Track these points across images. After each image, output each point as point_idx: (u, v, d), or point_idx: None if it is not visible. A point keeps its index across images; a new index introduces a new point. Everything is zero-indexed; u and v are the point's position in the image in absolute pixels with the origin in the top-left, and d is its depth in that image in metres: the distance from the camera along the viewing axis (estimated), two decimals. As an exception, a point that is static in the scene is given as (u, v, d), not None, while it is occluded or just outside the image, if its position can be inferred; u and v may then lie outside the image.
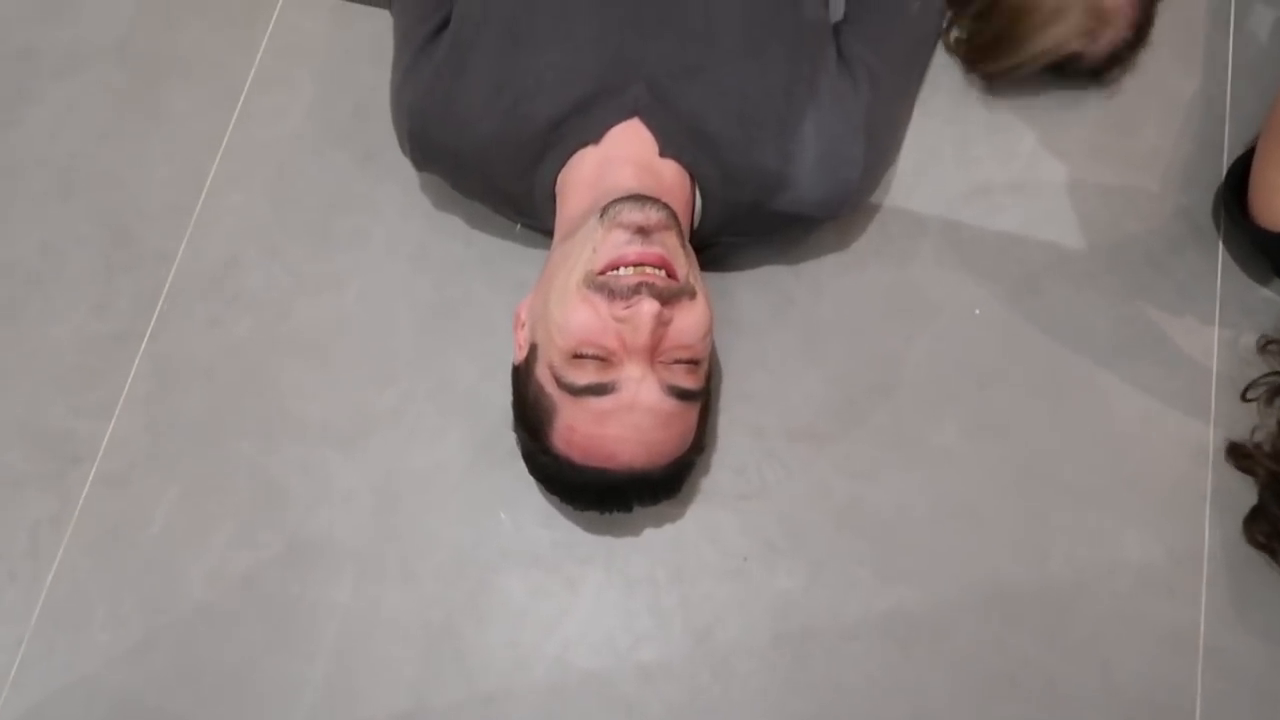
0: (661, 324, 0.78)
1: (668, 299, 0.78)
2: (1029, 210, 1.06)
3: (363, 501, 0.97)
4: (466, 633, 0.93)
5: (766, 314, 1.03)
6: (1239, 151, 1.03)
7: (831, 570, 0.95)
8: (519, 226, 1.04)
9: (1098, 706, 0.91)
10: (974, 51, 1.06)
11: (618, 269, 0.79)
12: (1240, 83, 1.09)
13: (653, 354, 0.79)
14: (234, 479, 0.98)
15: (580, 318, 0.78)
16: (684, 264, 0.82)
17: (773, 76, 0.89)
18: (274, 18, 1.14)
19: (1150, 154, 1.08)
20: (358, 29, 1.12)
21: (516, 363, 0.88)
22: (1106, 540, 0.95)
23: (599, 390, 0.79)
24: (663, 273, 0.79)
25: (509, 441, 0.91)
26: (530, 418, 0.85)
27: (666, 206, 0.82)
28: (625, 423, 0.80)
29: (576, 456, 0.82)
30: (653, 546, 0.96)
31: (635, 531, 0.96)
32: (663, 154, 0.88)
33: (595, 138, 0.88)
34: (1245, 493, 0.96)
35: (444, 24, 0.94)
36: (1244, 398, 0.98)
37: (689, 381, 0.81)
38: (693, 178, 0.90)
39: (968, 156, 1.08)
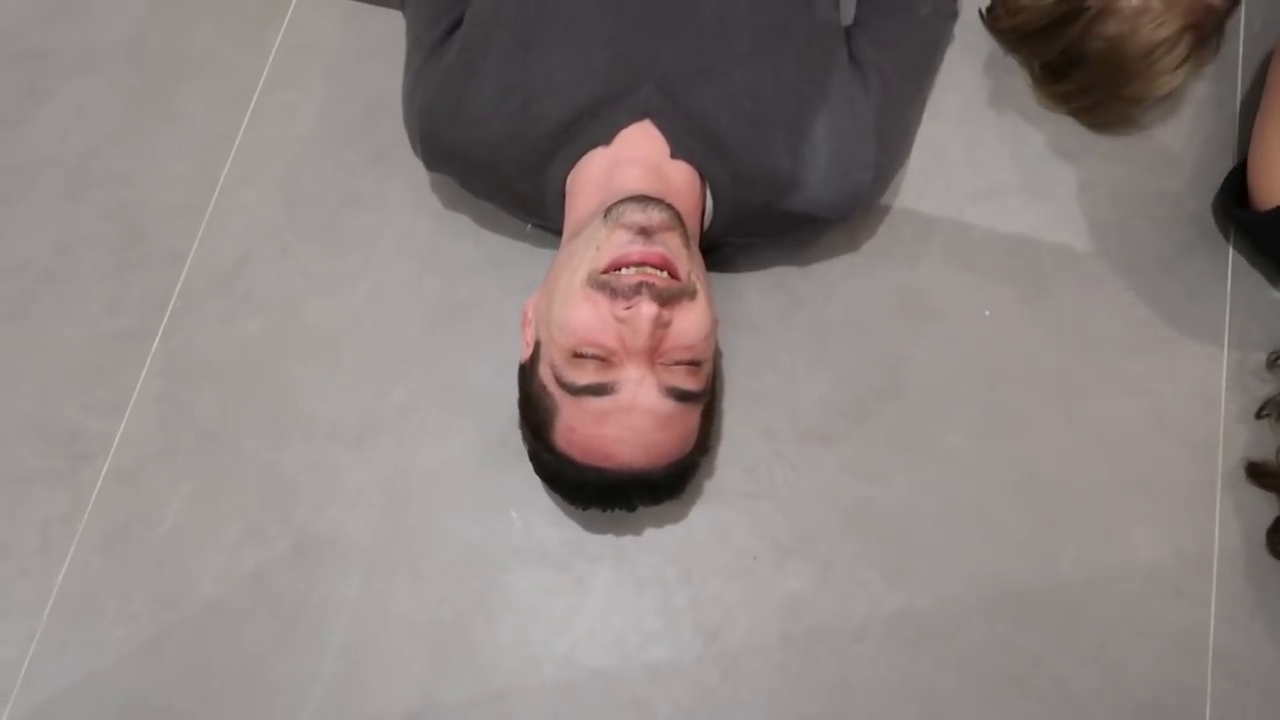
0: (661, 325, 0.78)
1: (668, 299, 0.78)
2: (1039, 212, 1.06)
3: (372, 500, 0.97)
4: (476, 630, 0.94)
5: (776, 315, 1.03)
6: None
7: (840, 571, 0.95)
8: (529, 226, 1.04)
9: (1107, 707, 0.91)
10: (1082, 106, 1.05)
11: (620, 269, 0.79)
12: (1249, 88, 1.09)
13: (653, 356, 0.79)
14: (244, 477, 0.98)
15: (582, 316, 0.79)
16: (686, 264, 0.82)
17: (784, 78, 0.89)
18: (287, 18, 1.14)
19: (1160, 156, 1.08)
20: (370, 30, 1.13)
21: (522, 360, 0.88)
22: (1116, 542, 0.96)
23: (598, 390, 0.79)
24: (664, 273, 0.80)
25: (519, 440, 0.91)
26: (533, 416, 0.85)
27: (670, 207, 0.82)
28: (624, 424, 0.80)
29: (577, 455, 0.82)
30: (662, 546, 0.96)
31: (644, 531, 0.96)
32: (674, 155, 0.88)
33: (606, 139, 0.88)
34: (1254, 495, 0.96)
35: (455, 26, 0.94)
36: (1258, 415, 0.98)
37: (689, 383, 0.81)
38: (703, 179, 0.90)
39: (977, 158, 1.08)
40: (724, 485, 0.98)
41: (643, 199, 0.82)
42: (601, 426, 0.80)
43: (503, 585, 0.95)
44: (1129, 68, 0.98)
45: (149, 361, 1.02)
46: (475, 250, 1.05)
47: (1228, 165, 1.06)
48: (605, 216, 0.82)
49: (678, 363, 0.80)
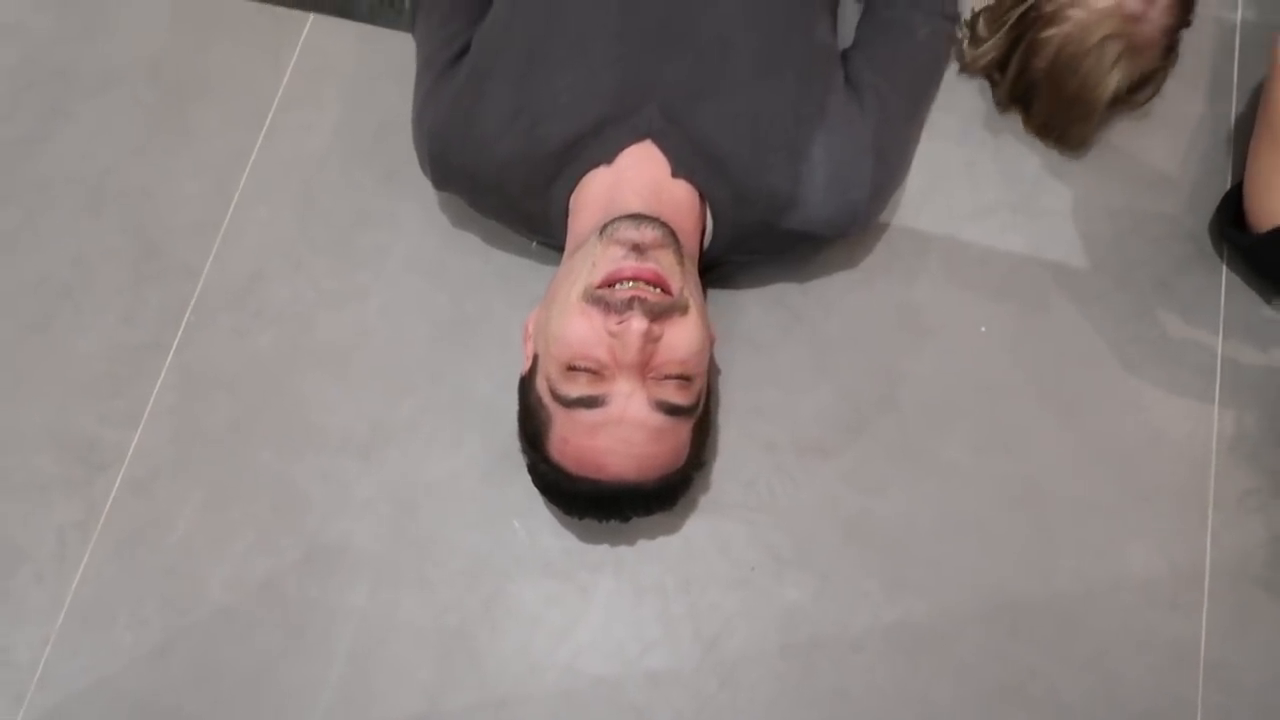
0: (651, 340, 0.80)
1: (659, 314, 0.80)
2: (1035, 231, 1.08)
3: (380, 509, 0.99)
4: (480, 638, 0.96)
5: (776, 330, 1.05)
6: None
7: (839, 582, 0.97)
8: (535, 244, 1.07)
9: (1101, 717, 0.92)
10: (1052, 132, 1.09)
11: (615, 284, 0.82)
12: (1244, 108, 1.11)
13: (644, 370, 0.81)
14: (255, 487, 1.00)
15: (577, 331, 0.81)
16: (679, 280, 0.84)
17: (783, 99, 0.92)
18: (301, 40, 1.18)
19: (1156, 177, 1.10)
20: (382, 52, 1.16)
21: (522, 374, 0.91)
22: (1111, 555, 0.97)
23: (589, 403, 0.82)
24: (657, 289, 0.82)
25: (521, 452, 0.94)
26: (530, 428, 0.88)
27: (664, 225, 0.84)
28: (615, 436, 0.82)
29: (570, 466, 0.85)
30: (663, 556, 0.98)
31: (644, 541, 0.98)
32: (674, 175, 0.91)
33: (608, 158, 0.91)
34: (1247, 510, 0.97)
35: (464, 50, 0.97)
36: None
37: (680, 397, 0.83)
38: (703, 198, 0.93)
39: (975, 177, 1.10)
40: (724, 497, 0.99)
41: (638, 217, 0.84)
42: (593, 438, 0.82)
43: (506, 594, 0.97)
44: (1066, 85, 1.03)
45: (164, 374, 1.04)
46: (483, 267, 1.08)
47: (1223, 186, 1.08)
48: (601, 233, 0.84)
49: (668, 377, 0.82)
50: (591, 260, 0.84)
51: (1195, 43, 1.13)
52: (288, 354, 1.05)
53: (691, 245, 0.92)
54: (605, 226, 0.85)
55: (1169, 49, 1.04)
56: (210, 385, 1.04)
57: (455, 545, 0.98)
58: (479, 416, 1.02)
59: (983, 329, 1.04)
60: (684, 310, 0.83)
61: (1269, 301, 1.04)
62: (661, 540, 0.98)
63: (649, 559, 0.98)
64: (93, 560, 0.98)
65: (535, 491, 0.94)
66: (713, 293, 1.03)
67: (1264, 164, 0.98)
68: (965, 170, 1.10)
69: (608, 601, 0.97)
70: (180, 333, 1.06)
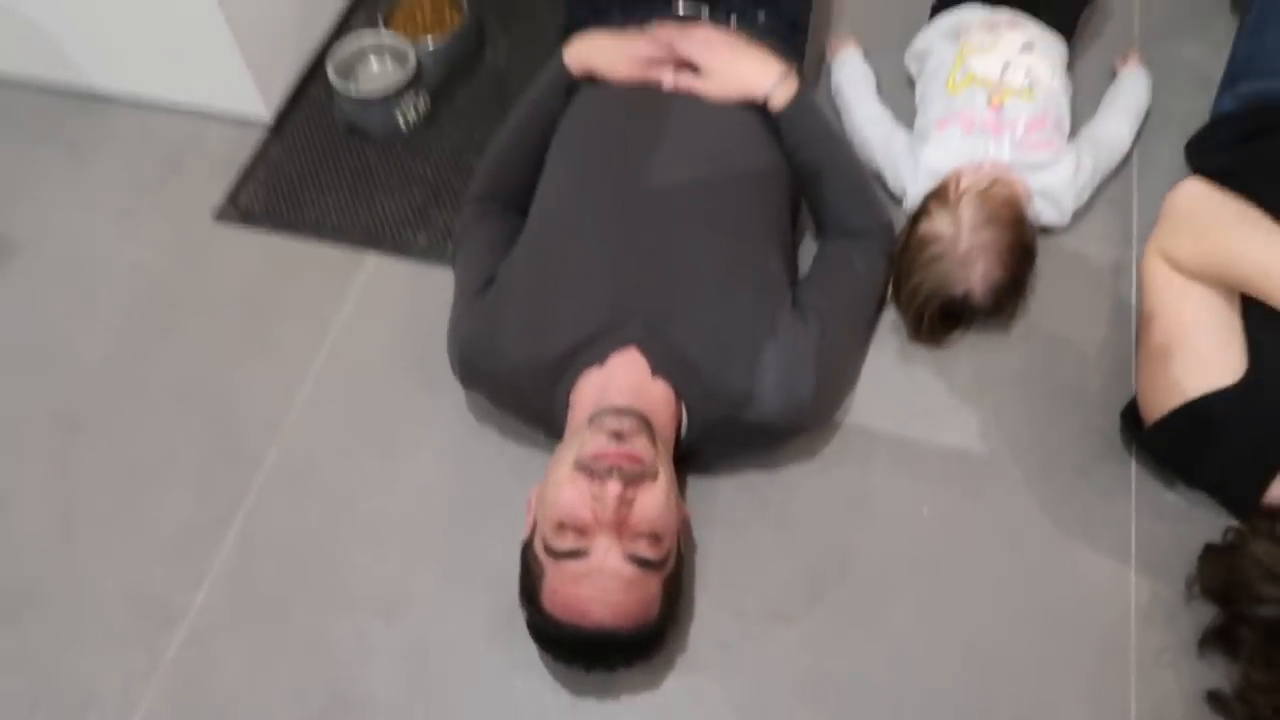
0: (625, 502, 0.97)
1: (632, 479, 0.98)
2: (968, 427, 1.27)
3: (397, 664, 1.14)
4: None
5: (746, 511, 1.22)
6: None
7: (799, 734, 1.08)
8: (544, 435, 1.27)
9: None
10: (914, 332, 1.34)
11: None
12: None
13: (620, 528, 0.98)
14: (292, 643, 1.16)
15: (567, 496, 0.99)
16: (651, 455, 1.02)
17: (742, 317, 1.14)
18: (365, 272, 1.47)
19: (1070, 383, 1.29)
20: (430, 284, 1.43)
21: (524, 538, 1.08)
22: (1044, 711, 1.08)
23: (574, 554, 0.98)
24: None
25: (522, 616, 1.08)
26: (528, 583, 1.04)
27: (641, 416, 1.04)
28: (595, 584, 0.98)
29: (559, 614, 1.00)
30: (642, 710, 1.10)
31: (626, 695, 1.11)
32: (654, 375, 1.12)
33: (600, 361, 1.12)
34: (1162, 666, 1.09)
35: (491, 280, 1.23)
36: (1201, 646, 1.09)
37: (650, 552, 0.99)
38: (678, 395, 1.13)
39: (916, 384, 1.31)
40: (698, 658, 1.13)
41: (618, 410, 1.04)
42: (578, 586, 0.98)
43: (504, 739, 1.09)
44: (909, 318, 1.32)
45: (227, 545, 1.23)
46: (500, 456, 1.28)
47: (1126, 390, 1.26)
48: (590, 422, 1.04)
49: (640, 535, 0.99)
50: (581, 441, 1.04)
51: (1095, 276, 1.36)
52: (331, 529, 1.24)
53: (667, 433, 1.11)
54: (594, 417, 1.05)
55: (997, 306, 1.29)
56: (265, 555, 1.22)
57: (461, 697, 1.12)
58: (488, 582, 1.17)
59: (925, 511, 1.21)
60: (654, 476, 1.01)
61: (1171, 486, 1.20)
62: (639, 695, 1.11)
63: (628, 711, 1.10)
64: (151, 708, 1.12)
65: (531, 649, 1.08)
66: (691, 479, 1.22)
67: (1144, 371, 1.17)
68: (907, 379, 1.31)
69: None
70: (243, 510, 1.26)
